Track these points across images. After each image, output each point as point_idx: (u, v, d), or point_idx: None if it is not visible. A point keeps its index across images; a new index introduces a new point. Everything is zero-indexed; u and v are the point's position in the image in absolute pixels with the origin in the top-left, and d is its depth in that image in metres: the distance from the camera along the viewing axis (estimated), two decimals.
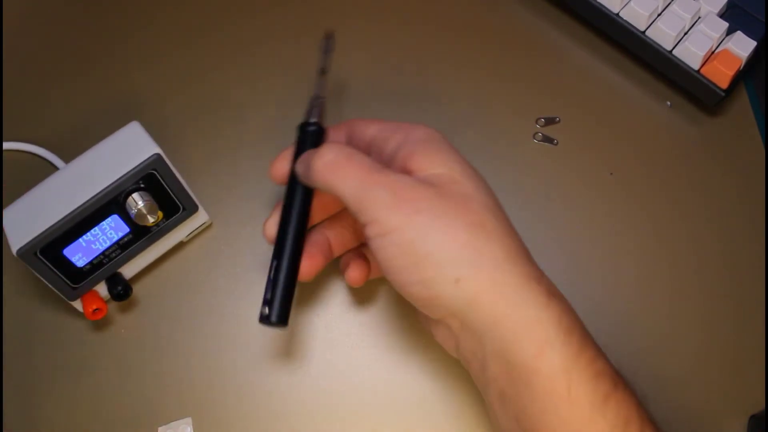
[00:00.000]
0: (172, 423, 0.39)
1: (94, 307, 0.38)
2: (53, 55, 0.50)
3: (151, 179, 0.37)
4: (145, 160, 0.37)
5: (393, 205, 0.27)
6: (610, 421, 0.26)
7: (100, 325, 0.42)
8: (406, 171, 0.30)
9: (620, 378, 0.28)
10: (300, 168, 0.33)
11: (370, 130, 0.34)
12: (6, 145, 0.46)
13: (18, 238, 0.35)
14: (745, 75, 0.50)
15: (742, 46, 0.47)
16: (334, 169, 0.29)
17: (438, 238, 0.27)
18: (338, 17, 0.52)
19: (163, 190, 0.38)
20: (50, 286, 0.37)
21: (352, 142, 0.35)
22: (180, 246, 0.44)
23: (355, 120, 0.35)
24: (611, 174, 0.47)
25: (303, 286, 0.43)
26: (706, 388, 0.41)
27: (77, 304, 0.39)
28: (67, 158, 0.44)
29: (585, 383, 0.26)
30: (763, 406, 0.40)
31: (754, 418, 0.40)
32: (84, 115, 0.48)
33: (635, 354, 0.42)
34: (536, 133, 0.48)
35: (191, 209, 0.41)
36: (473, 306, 0.27)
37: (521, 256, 0.28)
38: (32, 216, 0.36)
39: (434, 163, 0.29)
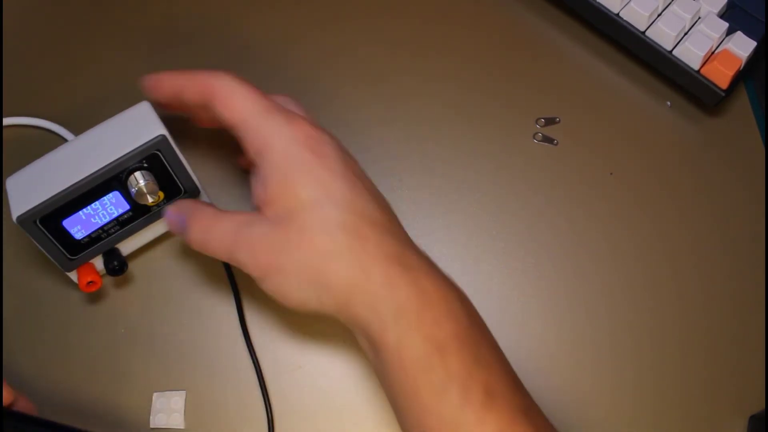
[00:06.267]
0: (166, 392, 0.40)
1: (89, 279, 0.39)
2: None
3: (154, 159, 0.37)
4: (149, 140, 0.37)
5: (255, 268, 0.33)
6: (435, 383, 0.30)
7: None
8: (262, 199, 0.34)
9: (455, 341, 0.31)
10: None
11: (235, 117, 0.35)
12: (22, 120, 0.47)
13: (19, 205, 0.35)
14: (745, 75, 0.50)
15: (742, 46, 0.47)
16: (204, 236, 0.35)
17: (293, 282, 0.33)
18: (336, 15, 0.52)
19: (165, 171, 0.38)
20: (47, 255, 0.37)
21: (211, 110, 0.36)
22: None
23: (221, 87, 0.35)
24: (611, 174, 0.47)
25: None
26: (706, 388, 0.41)
27: (73, 275, 0.40)
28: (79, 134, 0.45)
29: (413, 353, 0.30)
30: (763, 406, 0.40)
31: (754, 418, 0.40)
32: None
33: (635, 353, 0.42)
34: (536, 133, 0.48)
35: (193, 192, 0.40)
36: (341, 313, 0.33)
37: (373, 253, 0.32)
38: (35, 185, 0.36)
39: (281, 199, 0.33)
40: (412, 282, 0.31)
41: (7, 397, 0.33)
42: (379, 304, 0.31)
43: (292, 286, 0.33)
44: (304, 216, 0.32)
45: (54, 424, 0.33)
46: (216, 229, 0.35)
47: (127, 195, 0.38)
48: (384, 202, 0.35)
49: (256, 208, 0.35)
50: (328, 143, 0.34)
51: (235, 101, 0.34)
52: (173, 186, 0.39)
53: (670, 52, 0.48)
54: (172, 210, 0.37)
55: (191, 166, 0.40)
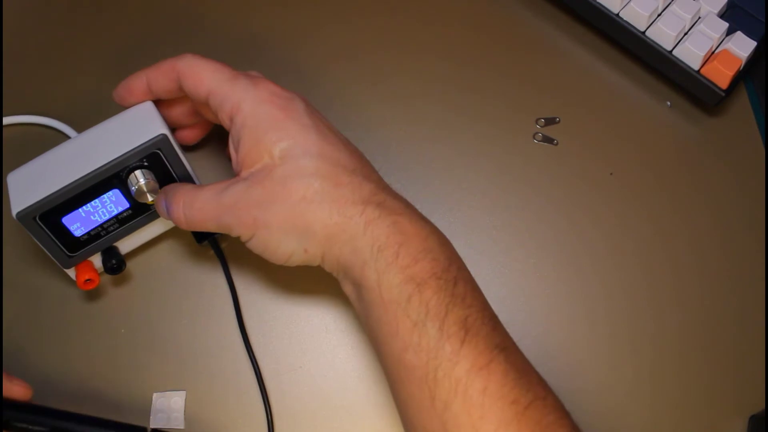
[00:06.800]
0: (166, 392, 0.40)
1: (87, 277, 0.39)
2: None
3: (155, 158, 0.38)
4: (151, 139, 0.37)
5: (241, 227, 0.34)
6: (413, 317, 0.31)
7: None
8: (238, 161, 0.35)
9: (433, 278, 0.32)
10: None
11: (203, 88, 0.36)
12: (25, 119, 0.47)
13: (19, 201, 0.36)
14: (745, 75, 0.50)
15: (742, 46, 0.47)
16: (187, 211, 0.36)
17: (278, 235, 0.34)
18: (336, 14, 0.52)
19: (166, 171, 0.38)
20: (46, 251, 0.38)
21: (184, 91, 0.37)
22: (178, 228, 0.43)
23: (186, 66, 0.36)
24: (611, 174, 0.47)
25: (302, 285, 0.43)
26: (706, 388, 0.41)
27: (71, 273, 0.40)
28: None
29: (392, 288, 0.32)
30: (763, 406, 0.40)
31: (754, 418, 0.40)
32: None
33: (635, 353, 0.42)
34: (536, 133, 0.48)
35: None
36: (326, 259, 0.34)
37: (350, 197, 0.33)
38: (36, 181, 0.36)
39: (255, 157, 0.34)
40: (390, 222, 0.33)
41: (27, 392, 0.34)
42: (359, 243, 0.33)
43: (279, 240, 0.34)
44: (280, 169, 0.34)
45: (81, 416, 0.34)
46: (197, 201, 0.35)
47: (127, 193, 0.38)
48: (356, 150, 0.36)
49: (235, 174, 0.36)
50: (294, 99, 0.36)
51: (201, 74, 0.36)
52: None
53: (670, 52, 0.48)
54: (157, 198, 0.38)
55: (191, 165, 0.40)
